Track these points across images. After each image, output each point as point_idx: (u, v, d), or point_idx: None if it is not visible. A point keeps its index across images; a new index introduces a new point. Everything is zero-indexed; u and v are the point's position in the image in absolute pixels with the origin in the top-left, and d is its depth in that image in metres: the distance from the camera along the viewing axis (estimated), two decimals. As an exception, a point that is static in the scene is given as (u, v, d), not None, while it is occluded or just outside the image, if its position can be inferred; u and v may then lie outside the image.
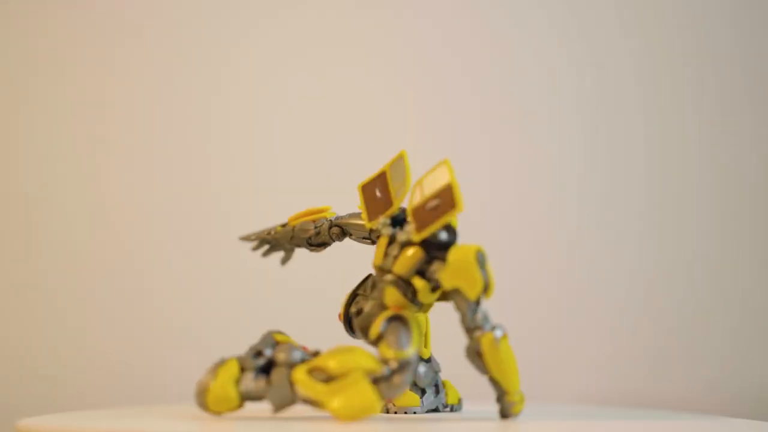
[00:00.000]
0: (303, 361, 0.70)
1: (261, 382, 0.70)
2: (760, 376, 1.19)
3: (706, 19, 1.25)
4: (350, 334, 0.78)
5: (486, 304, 0.71)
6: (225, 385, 0.71)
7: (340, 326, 0.79)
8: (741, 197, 1.23)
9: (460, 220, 0.74)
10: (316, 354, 0.71)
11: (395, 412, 0.81)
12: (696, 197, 1.23)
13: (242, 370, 0.71)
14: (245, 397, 0.71)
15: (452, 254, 0.71)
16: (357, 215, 0.83)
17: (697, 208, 1.23)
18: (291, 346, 0.71)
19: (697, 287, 1.22)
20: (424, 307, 0.75)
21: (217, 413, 0.71)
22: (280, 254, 0.92)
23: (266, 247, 0.91)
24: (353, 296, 0.78)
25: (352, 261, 0.86)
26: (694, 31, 1.25)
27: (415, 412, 0.81)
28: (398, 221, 0.76)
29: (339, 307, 0.78)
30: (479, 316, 0.71)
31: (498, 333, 0.71)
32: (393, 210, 0.76)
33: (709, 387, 1.19)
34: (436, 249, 0.73)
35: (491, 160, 1.24)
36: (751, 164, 1.23)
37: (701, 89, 1.24)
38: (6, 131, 1.23)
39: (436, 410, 0.83)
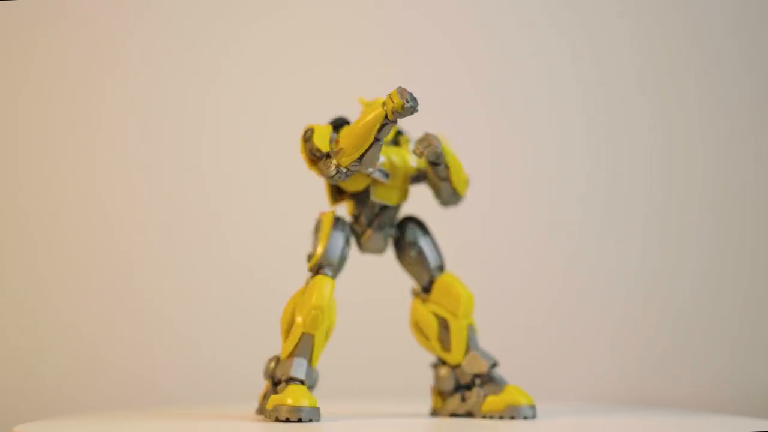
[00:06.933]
0: None
1: None
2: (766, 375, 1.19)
3: (713, 23, 1.24)
4: None
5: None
6: None
7: (340, 328, 0.78)
8: (743, 198, 1.22)
9: (464, 220, 0.73)
10: None
11: None
12: (699, 197, 1.23)
13: None
14: None
15: None
16: None
17: (700, 208, 1.23)
18: None
19: (701, 285, 1.21)
20: None
21: None
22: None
23: None
24: None
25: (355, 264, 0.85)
26: (700, 34, 1.25)
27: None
28: None
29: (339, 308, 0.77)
30: None
31: None
32: None
33: (715, 385, 1.19)
34: None
35: (493, 159, 1.24)
36: (755, 166, 1.23)
37: (706, 92, 1.23)
38: (2, 132, 1.23)
39: None
